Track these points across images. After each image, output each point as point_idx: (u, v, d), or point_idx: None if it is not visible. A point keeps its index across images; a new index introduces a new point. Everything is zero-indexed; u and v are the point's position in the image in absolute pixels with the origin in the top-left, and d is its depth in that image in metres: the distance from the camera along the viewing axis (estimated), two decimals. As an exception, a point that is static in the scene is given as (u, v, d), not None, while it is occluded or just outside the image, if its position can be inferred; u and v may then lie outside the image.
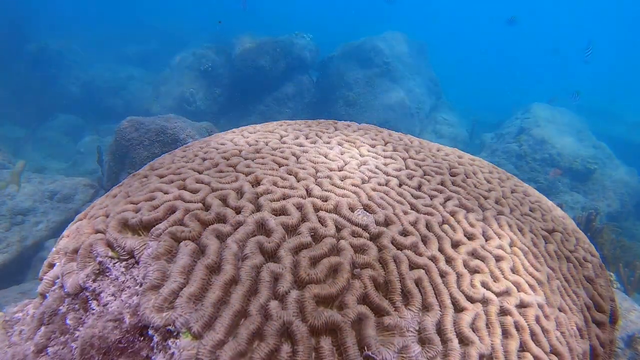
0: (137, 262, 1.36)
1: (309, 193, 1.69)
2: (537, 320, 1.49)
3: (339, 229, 1.53)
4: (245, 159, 1.91)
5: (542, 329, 1.48)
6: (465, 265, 1.56)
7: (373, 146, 2.29)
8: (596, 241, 6.25)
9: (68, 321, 1.35)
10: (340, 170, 1.92)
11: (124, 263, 1.38)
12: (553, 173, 9.29)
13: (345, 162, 2.01)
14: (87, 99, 12.58)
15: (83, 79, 13.03)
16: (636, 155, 11.24)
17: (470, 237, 1.71)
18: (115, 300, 1.30)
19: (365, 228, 1.56)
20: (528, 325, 1.45)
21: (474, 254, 1.62)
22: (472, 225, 1.78)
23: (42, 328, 1.40)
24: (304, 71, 11.40)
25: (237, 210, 1.53)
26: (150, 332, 1.18)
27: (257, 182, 1.71)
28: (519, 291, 1.55)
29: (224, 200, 1.58)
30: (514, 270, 1.64)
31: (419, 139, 2.59)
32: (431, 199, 1.88)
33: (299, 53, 11.06)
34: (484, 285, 1.52)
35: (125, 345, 1.19)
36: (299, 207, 1.58)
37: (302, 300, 1.23)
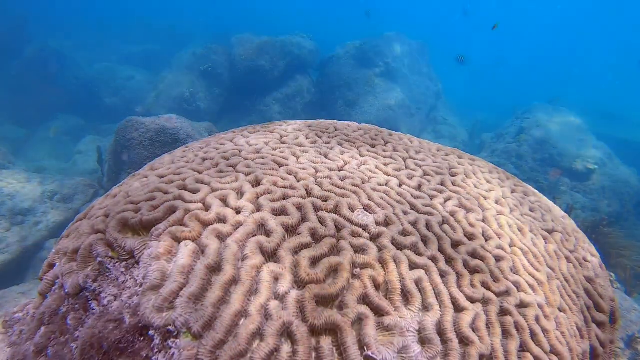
0: (137, 262, 1.36)
1: (309, 193, 1.69)
2: (537, 320, 1.49)
3: (339, 229, 1.53)
4: (245, 159, 1.91)
5: (542, 329, 1.48)
6: (465, 265, 1.56)
7: (373, 146, 2.29)
8: (602, 243, 6.26)
9: (68, 321, 1.35)
10: (340, 170, 1.92)
11: (124, 263, 1.38)
12: (553, 173, 9.29)
13: (345, 162, 2.01)
14: (87, 99, 12.58)
15: (83, 79, 13.03)
16: (636, 155, 11.23)
17: (470, 237, 1.71)
18: (115, 300, 1.30)
19: (365, 228, 1.56)
20: (528, 325, 1.45)
21: (474, 254, 1.62)
22: (472, 225, 1.78)
23: (42, 328, 1.40)
24: (304, 71, 11.40)
25: (237, 211, 1.53)
26: (151, 332, 1.18)
27: (257, 182, 1.71)
28: (519, 291, 1.55)
29: (224, 200, 1.58)
30: (514, 270, 1.64)
31: (418, 139, 2.59)
32: (431, 199, 1.88)
33: (299, 53, 11.06)
34: (484, 285, 1.52)
35: (126, 345, 1.19)
36: (299, 207, 1.58)
37: (302, 300, 1.23)
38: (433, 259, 1.53)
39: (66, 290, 1.40)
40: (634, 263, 6.27)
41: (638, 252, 6.69)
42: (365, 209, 1.66)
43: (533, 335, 1.45)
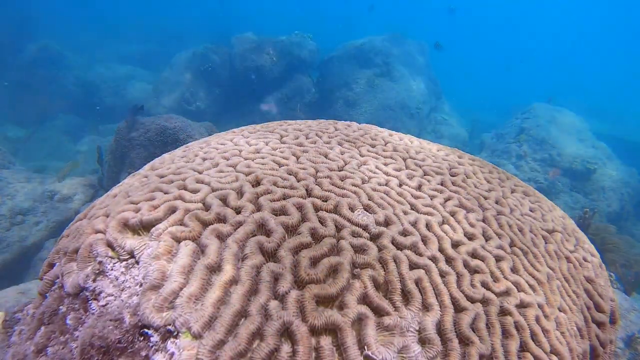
0: (137, 262, 1.36)
1: (309, 193, 1.69)
2: (537, 320, 1.49)
3: (339, 229, 1.53)
4: (245, 159, 1.91)
5: (542, 329, 1.48)
6: (466, 265, 1.56)
7: (373, 146, 2.29)
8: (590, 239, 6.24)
9: (68, 321, 1.35)
10: (340, 170, 1.92)
11: (124, 263, 1.38)
12: (552, 173, 9.29)
13: (345, 162, 2.01)
14: (87, 99, 12.58)
15: (83, 79, 13.03)
16: (636, 155, 11.23)
17: (470, 237, 1.71)
18: (115, 300, 1.30)
19: (365, 228, 1.56)
20: (528, 325, 1.45)
21: (474, 254, 1.62)
22: (472, 225, 1.78)
23: (42, 328, 1.40)
24: (304, 71, 11.40)
25: (237, 210, 1.52)
26: (150, 332, 1.18)
27: (257, 182, 1.71)
28: (519, 291, 1.55)
29: (224, 200, 1.58)
30: (514, 270, 1.64)
31: (419, 139, 2.59)
32: (431, 199, 1.88)
33: (299, 53, 11.07)
34: (484, 285, 1.52)
35: (125, 345, 1.19)
36: (299, 207, 1.58)
37: (302, 300, 1.23)
38: (433, 259, 1.53)
39: (66, 290, 1.40)
40: (623, 260, 6.27)
41: (630, 248, 6.68)
42: (365, 209, 1.66)
43: (533, 335, 1.44)
